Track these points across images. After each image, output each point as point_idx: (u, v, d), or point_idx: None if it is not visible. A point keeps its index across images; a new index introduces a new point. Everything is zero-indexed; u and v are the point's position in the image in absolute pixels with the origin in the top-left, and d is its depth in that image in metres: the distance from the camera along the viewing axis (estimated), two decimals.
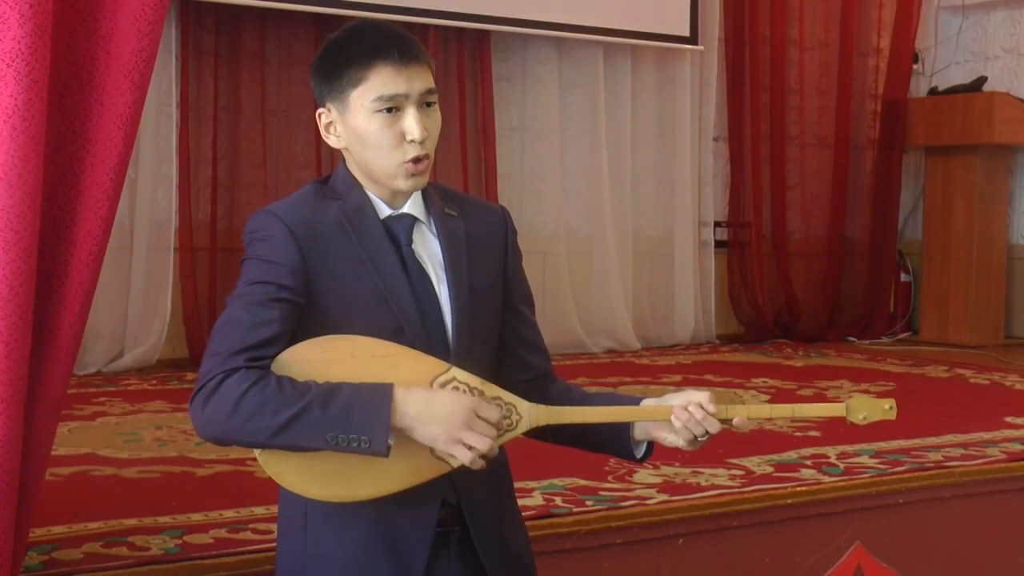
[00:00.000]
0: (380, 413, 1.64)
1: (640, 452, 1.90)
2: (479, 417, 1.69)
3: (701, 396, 1.79)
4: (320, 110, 1.83)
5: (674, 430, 1.80)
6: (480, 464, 1.69)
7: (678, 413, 1.77)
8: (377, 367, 1.70)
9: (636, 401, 1.87)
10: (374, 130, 1.77)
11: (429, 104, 1.80)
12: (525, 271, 1.99)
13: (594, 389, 2.01)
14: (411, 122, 1.76)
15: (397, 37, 1.78)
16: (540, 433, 1.87)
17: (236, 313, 1.71)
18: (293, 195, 1.85)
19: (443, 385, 1.72)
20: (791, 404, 1.89)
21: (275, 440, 1.64)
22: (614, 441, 1.90)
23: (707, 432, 1.78)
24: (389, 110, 1.76)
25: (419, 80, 1.77)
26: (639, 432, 1.87)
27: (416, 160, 1.78)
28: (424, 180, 1.82)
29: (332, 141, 1.84)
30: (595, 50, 5.82)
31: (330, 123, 1.83)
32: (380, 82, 1.75)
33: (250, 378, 1.64)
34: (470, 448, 1.67)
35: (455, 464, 1.71)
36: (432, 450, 1.70)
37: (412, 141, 1.76)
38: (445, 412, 1.67)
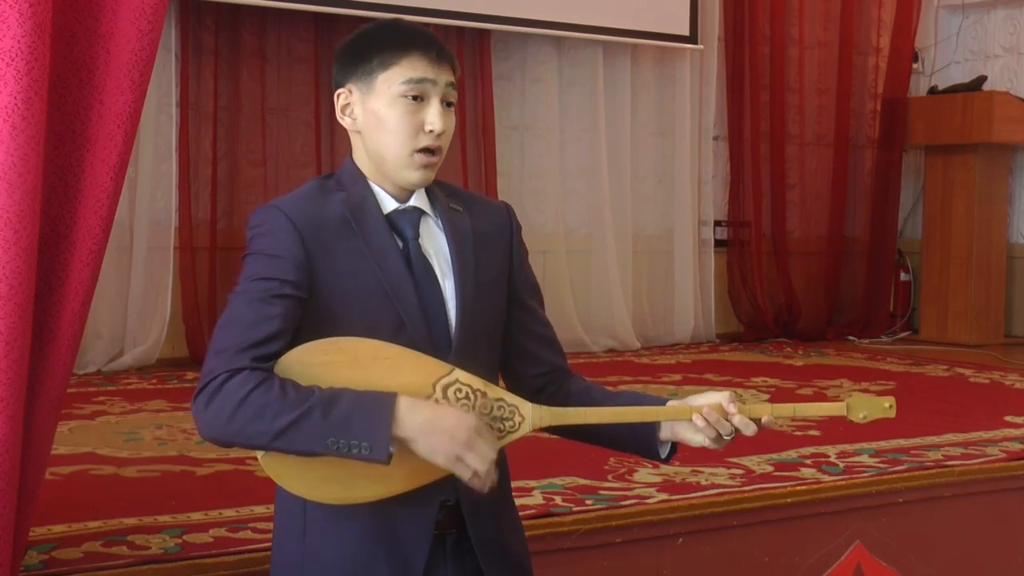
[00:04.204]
0: (381, 421, 1.64)
1: (665, 452, 1.91)
2: (481, 437, 1.68)
3: (721, 397, 1.81)
4: (339, 91, 1.84)
5: (698, 430, 1.82)
6: (478, 483, 1.68)
7: (707, 414, 1.79)
8: (379, 370, 1.69)
9: (661, 402, 1.87)
10: (396, 115, 1.78)
11: (449, 104, 1.82)
12: None
13: (618, 389, 2.00)
14: (433, 113, 1.78)
15: (435, 37, 1.83)
16: (561, 430, 1.89)
17: (239, 309, 1.71)
18: (296, 190, 1.85)
19: (445, 387, 1.72)
20: (792, 404, 1.89)
21: (275, 444, 1.64)
22: (636, 440, 1.90)
23: (733, 431, 1.81)
24: (414, 97, 1.78)
25: (447, 74, 1.81)
26: (665, 432, 1.87)
27: (429, 151, 1.79)
28: (431, 176, 1.83)
29: (347, 123, 1.85)
30: (595, 49, 5.82)
31: (347, 104, 1.83)
32: (411, 67, 1.78)
33: (253, 380, 1.64)
34: (469, 467, 1.67)
35: None
36: None
37: (430, 131, 1.78)
38: (448, 428, 1.66)
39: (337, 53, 1.86)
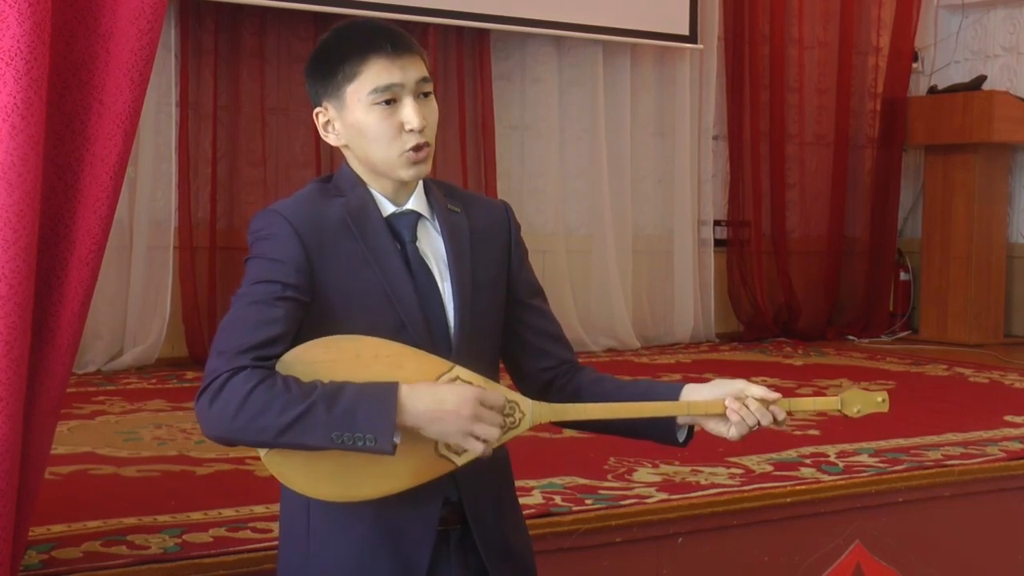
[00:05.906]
0: (385, 411, 1.64)
1: (683, 436, 1.90)
2: (484, 406, 1.69)
3: (757, 390, 1.81)
4: (317, 110, 1.85)
5: (722, 419, 1.82)
6: (488, 452, 1.70)
7: (731, 405, 1.79)
8: (381, 367, 1.70)
9: (675, 391, 1.86)
10: (373, 122, 1.78)
11: (425, 94, 1.81)
12: None
13: (631, 379, 1.99)
14: (409, 112, 1.78)
15: (388, 31, 1.81)
16: (573, 422, 1.90)
17: (241, 312, 1.72)
18: (296, 194, 1.85)
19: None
20: (787, 398, 1.88)
21: (281, 439, 1.64)
22: (652, 427, 1.90)
23: (758, 422, 1.80)
24: (387, 102, 1.78)
25: (413, 69, 1.79)
26: (683, 416, 1.86)
27: (416, 148, 1.79)
28: (426, 168, 1.83)
29: (331, 139, 1.85)
30: (594, 49, 5.82)
31: (328, 122, 1.84)
32: (375, 74, 1.77)
33: (256, 377, 1.65)
34: (479, 439, 1.68)
35: (460, 463, 1.72)
36: (436, 449, 1.71)
37: (411, 130, 1.78)
38: (452, 407, 1.67)
39: (305, 71, 1.87)
